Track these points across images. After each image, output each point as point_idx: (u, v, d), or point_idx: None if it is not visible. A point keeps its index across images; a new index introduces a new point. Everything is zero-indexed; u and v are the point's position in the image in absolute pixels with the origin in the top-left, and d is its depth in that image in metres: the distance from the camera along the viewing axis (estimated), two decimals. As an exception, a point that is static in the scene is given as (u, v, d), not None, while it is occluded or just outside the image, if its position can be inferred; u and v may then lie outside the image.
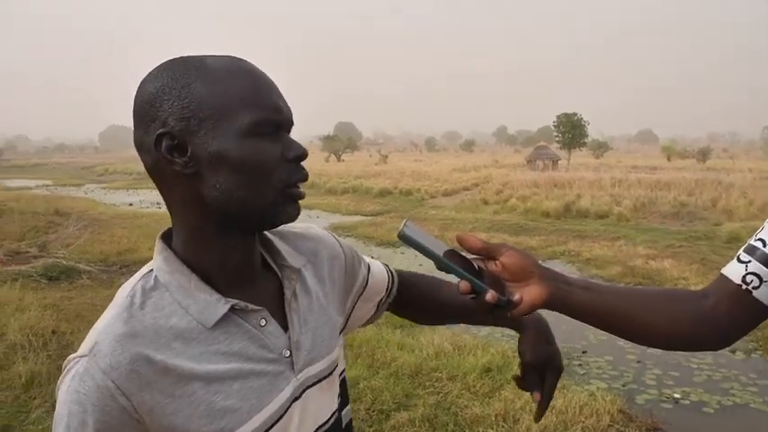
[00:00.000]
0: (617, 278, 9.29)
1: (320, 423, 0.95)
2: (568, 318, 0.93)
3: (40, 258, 9.25)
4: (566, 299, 0.94)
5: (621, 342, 6.26)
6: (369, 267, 1.17)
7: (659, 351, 6.00)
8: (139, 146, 0.83)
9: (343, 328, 1.09)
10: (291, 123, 0.88)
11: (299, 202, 0.88)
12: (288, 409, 0.88)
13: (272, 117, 0.83)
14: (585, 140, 45.72)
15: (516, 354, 1.12)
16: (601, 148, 54.47)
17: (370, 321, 1.23)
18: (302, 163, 0.88)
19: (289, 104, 0.88)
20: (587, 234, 13.85)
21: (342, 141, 60.84)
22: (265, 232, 0.96)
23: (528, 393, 1.17)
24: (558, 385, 1.16)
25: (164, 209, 0.93)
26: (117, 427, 0.76)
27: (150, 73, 0.83)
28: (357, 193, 24.60)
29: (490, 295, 0.88)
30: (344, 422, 1.03)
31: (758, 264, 0.92)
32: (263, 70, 0.87)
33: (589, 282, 1.01)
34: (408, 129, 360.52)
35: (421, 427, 4.09)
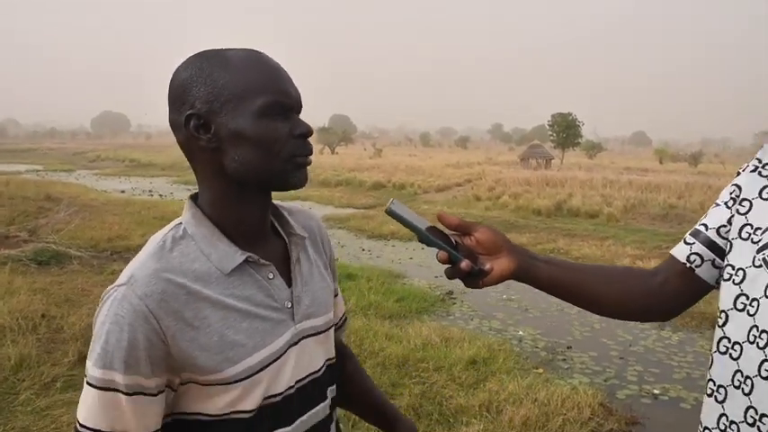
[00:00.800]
0: (604, 277, 9.38)
1: (313, 370, 1.11)
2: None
3: (29, 243, 9.23)
4: (530, 270, 1.10)
5: (605, 339, 6.38)
6: (337, 290, 1.32)
7: (642, 349, 6.13)
8: (173, 124, 1.00)
9: None
10: (300, 106, 1.03)
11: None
12: (286, 351, 1.04)
13: (281, 100, 0.98)
14: (579, 141, 45.87)
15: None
16: (594, 148, 54.61)
17: None
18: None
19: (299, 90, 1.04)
20: (577, 233, 13.93)
21: (336, 134, 60.78)
22: (277, 204, 1.14)
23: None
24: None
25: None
26: (146, 346, 0.90)
27: (182, 63, 0.99)
28: (350, 185, 24.61)
29: (465, 264, 1.02)
30: (330, 397, 1.18)
31: (701, 245, 1.09)
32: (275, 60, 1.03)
33: (552, 257, 1.16)
34: (403, 123, 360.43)
35: (406, 416, 4.15)
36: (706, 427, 1.03)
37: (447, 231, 1.08)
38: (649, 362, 5.81)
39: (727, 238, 1.06)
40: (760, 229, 0.99)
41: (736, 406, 0.96)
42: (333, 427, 1.20)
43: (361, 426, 3.76)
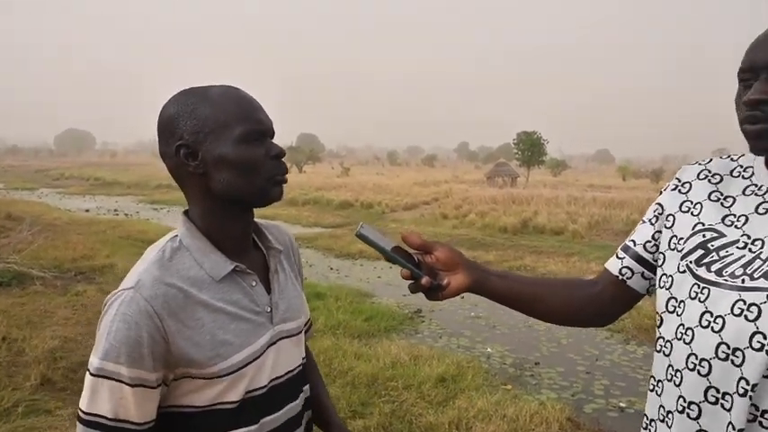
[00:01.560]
0: (570, 293, 9.49)
1: (289, 369, 1.27)
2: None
3: (-10, 263, 9.04)
4: (485, 284, 1.24)
5: (572, 354, 6.46)
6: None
7: (608, 363, 6.22)
8: (163, 154, 1.16)
9: None
10: (272, 131, 1.20)
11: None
12: (266, 350, 1.19)
13: (256, 128, 1.15)
14: (544, 158, 46.44)
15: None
16: (559, 166, 55.40)
17: None
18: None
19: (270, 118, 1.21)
20: (543, 250, 14.11)
21: (304, 153, 60.69)
22: (258, 222, 1.29)
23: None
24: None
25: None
26: (150, 343, 1.03)
27: (169, 100, 1.16)
28: (318, 204, 24.57)
29: (425, 279, 1.18)
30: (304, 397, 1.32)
31: (630, 260, 1.26)
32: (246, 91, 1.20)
33: (505, 271, 1.32)
34: (371, 142, 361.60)
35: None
36: (651, 419, 1.16)
37: (410, 250, 1.22)
38: (615, 375, 5.91)
39: (653, 252, 1.23)
40: (682, 238, 1.15)
41: (670, 397, 1.09)
42: (304, 423, 1.32)
43: None
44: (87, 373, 1.05)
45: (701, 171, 1.23)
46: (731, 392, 1.00)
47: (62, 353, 5.27)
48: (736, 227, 1.11)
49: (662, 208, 1.25)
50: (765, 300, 1.00)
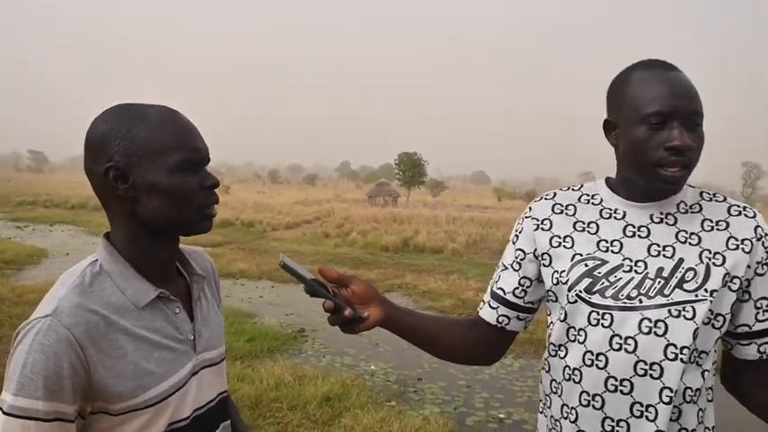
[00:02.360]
0: (450, 309, 9.74)
1: (210, 399, 1.22)
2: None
3: None
4: (396, 320, 1.29)
5: (453, 369, 6.60)
6: None
7: (487, 377, 6.41)
8: (89, 172, 1.09)
9: None
10: (208, 159, 1.16)
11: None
12: (189, 380, 1.15)
13: (193, 156, 1.11)
14: (424, 179, 47.58)
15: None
16: (438, 186, 56.95)
17: None
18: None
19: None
20: (423, 268, 14.40)
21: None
22: (181, 247, 1.24)
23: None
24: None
25: None
26: (71, 373, 0.97)
27: (101, 115, 1.09)
28: (196, 223, 23.87)
29: (348, 311, 1.18)
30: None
31: (505, 308, 1.36)
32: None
33: (411, 309, 1.38)
34: (252, 159, 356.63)
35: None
36: (556, 419, 1.27)
37: (325, 282, 1.23)
38: (494, 388, 6.09)
39: (522, 297, 1.35)
40: (564, 271, 1.25)
41: (591, 420, 1.20)
42: None
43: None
44: None
45: (554, 206, 1.33)
46: (654, 403, 1.15)
47: None
48: (613, 252, 1.23)
49: (524, 253, 1.34)
50: (668, 314, 1.15)
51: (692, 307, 1.15)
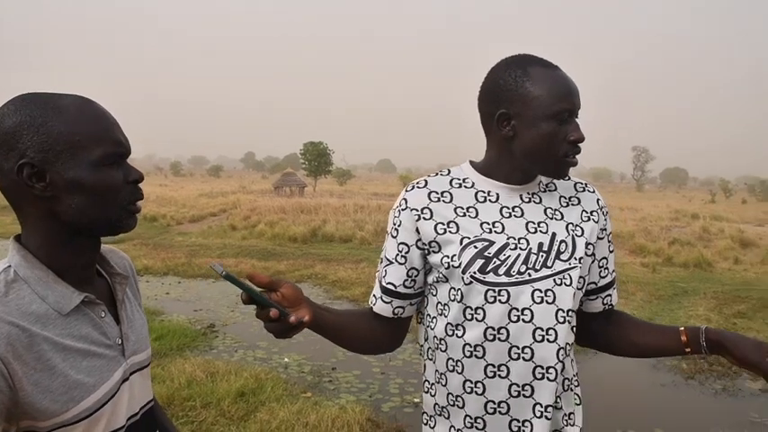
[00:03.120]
0: (361, 298, 9.82)
1: (143, 404, 1.18)
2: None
3: None
4: (320, 319, 1.33)
5: (367, 357, 6.67)
6: None
7: (401, 362, 6.53)
8: None
9: None
10: (130, 152, 1.09)
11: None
12: (120, 387, 1.09)
13: (116, 150, 1.05)
14: (330, 168, 47.50)
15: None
16: (345, 175, 56.98)
17: None
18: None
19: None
20: (333, 257, 14.43)
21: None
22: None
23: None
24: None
25: None
26: None
27: (7, 107, 1.00)
28: (95, 219, 22.92)
29: (294, 318, 1.18)
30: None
31: (399, 300, 1.43)
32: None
33: (327, 306, 1.42)
34: (152, 152, 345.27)
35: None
36: (477, 417, 1.34)
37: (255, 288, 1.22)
38: (408, 373, 6.23)
39: (412, 287, 1.41)
40: (455, 255, 1.32)
41: (497, 389, 1.31)
42: None
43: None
44: None
45: (430, 193, 1.39)
46: (553, 364, 1.30)
47: None
48: (497, 232, 1.34)
49: (407, 246, 1.39)
50: (554, 283, 1.31)
51: (569, 274, 1.33)
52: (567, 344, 1.33)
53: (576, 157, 1.34)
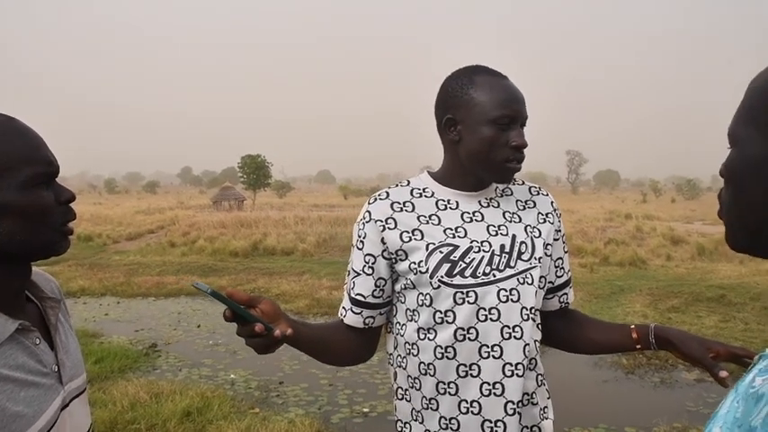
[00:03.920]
0: (305, 310, 9.77)
1: (85, 430, 1.16)
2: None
3: None
4: (301, 334, 1.33)
5: (314, 369, 6.65)
6: None
7: (348, 373, 6.50)
8: None
9: None
10: (59, 171, 1.06)
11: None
12: (60, 415, 1.05)
13: (45, 170, 1.01)
14: (269, 181, 47.07)
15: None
16: (284, 188, 56.57)
17: None
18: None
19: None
20: (275, 270, 14.31)
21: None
22: None
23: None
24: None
25: None
26: None
27: None
28: (25, 241, 22.09)
29: (278, 332, 1.19)
30: None
31: (369, 311, 1.46)
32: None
33: (303, 320, 1.44)
34: (85, 169, 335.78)
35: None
36: (451, 418, 1.37)
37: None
38: (356, 384, 6.21)
39: (380, 296, 1.45)
40: (422, 261, 1.36)
41: (471, 386, 1.35)
42: None
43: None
44: None
45: (392, 204, 1.44)
46: (521, 360, 1.36)
47: None
48: (460, 237, 1.39)
49: (373, 257, 1.43)
50: (517, 282, 1.37)
51: (530, 273, 1.39)
52: (534, 340, 1.40)
53: (519, 164, 1.39)
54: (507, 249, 1.39)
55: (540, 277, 1.42)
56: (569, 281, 1.59)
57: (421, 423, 1.41)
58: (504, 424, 1.34)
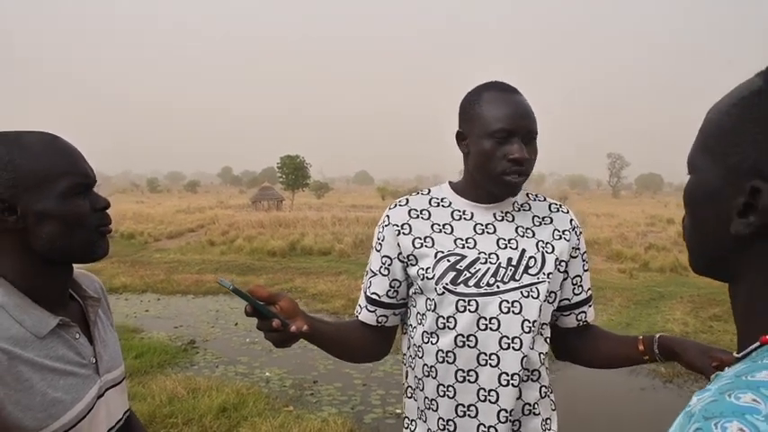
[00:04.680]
0: (341, 310, 9.83)
1: (119, 419, 1.27)
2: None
3: None
4: (317, 330, 1.38)
5: (348, 369, 6.69)
6: None
7: (382, 374, 6.55)
8: None
9: None
10: (96, 181, 1.17)
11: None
12: (96, 403, 1.17)
13: (82, 181, 1.12)
14: (308, 181, 47.37)
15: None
16: (322, 188, 56.89)
17: None
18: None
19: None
20: (312, 270, 14.43)
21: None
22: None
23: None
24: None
25: None
26: None
27: None
28: (71, 238, 22.63)
29: (295, 327, 1.24)
30: None
31: (382, 309, 1.53)
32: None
33: (321, 318, 1.50)
34: (128, 168, 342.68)
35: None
36: (448, 419, 1.42)
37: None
38: (390, 384, 6.26)
39: (395, 297, 1.51)
40: (429, 268, 1.42)
41: (467, 392, 1.40)
42: None
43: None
44: None
45: (410, 211, 1.51)
46: (518, 371, 1.39)
47: None
48: (469, 248, 1.44)
49: (389, 258, 1.49)
50: (521, 295, 1.41)
51: (536, 288, 1.42)
52: (539, 353, 1.44)
53: (519, 176, 1.41)
54: (514, 263, 1.43)
55: (550, 293, 1.45)
56: (589, 299, 1.60)
57: (424, 422, 1.48)
58: (497, 430, 1.39)
